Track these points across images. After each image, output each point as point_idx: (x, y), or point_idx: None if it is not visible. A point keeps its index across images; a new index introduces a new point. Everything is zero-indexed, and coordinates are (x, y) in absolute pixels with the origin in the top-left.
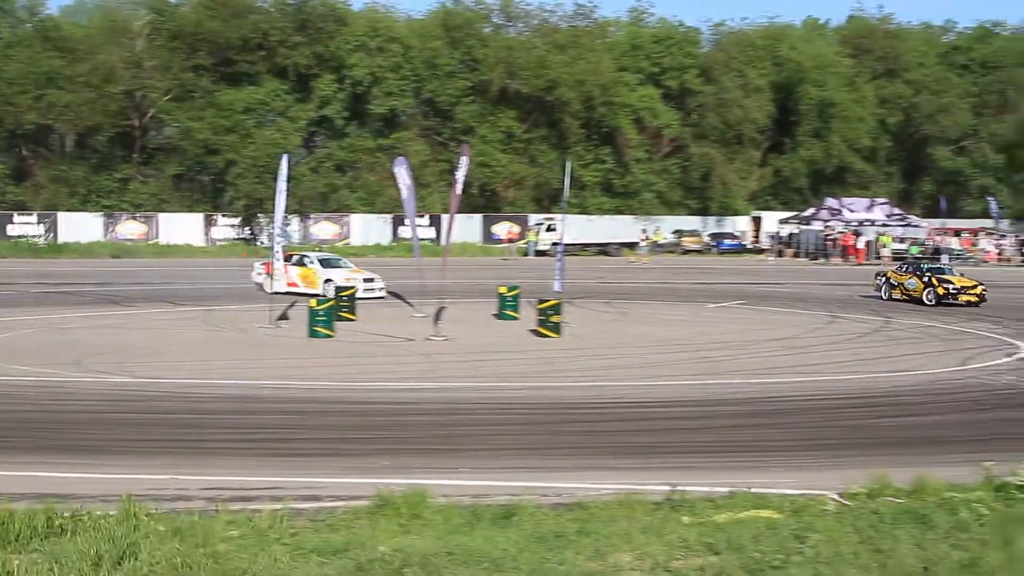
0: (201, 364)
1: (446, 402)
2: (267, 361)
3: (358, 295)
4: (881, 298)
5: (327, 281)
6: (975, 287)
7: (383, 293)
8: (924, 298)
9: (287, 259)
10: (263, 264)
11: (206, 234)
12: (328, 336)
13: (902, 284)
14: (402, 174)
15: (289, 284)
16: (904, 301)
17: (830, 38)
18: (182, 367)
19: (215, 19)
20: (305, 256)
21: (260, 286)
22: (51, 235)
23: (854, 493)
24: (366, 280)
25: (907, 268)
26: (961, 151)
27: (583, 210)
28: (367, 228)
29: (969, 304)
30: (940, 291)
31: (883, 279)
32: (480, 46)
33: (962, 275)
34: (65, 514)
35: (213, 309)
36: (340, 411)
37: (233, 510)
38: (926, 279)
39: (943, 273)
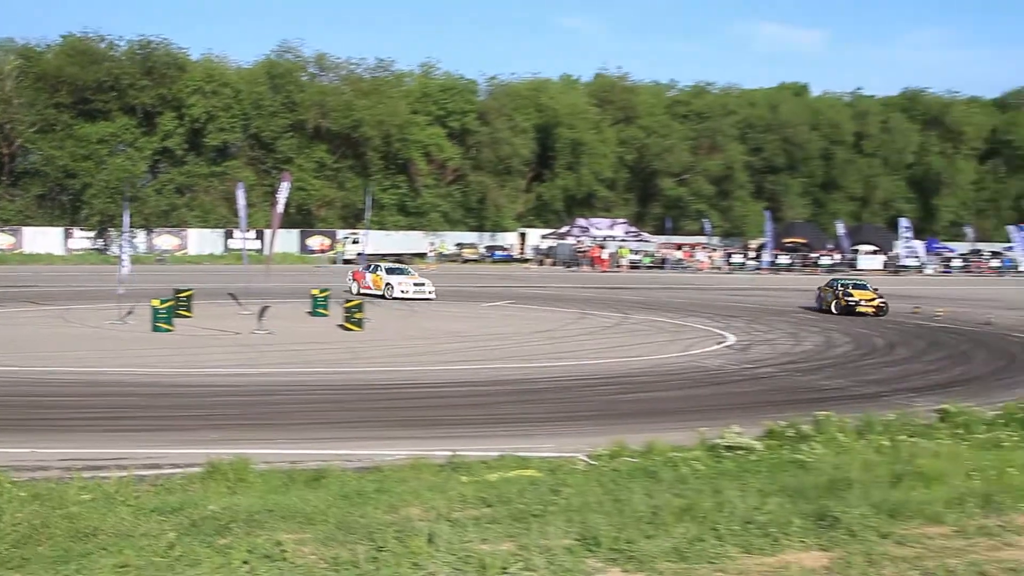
0: (56, 355)
1: (267, 385)
2: (114, 352)
3: (410, 295)
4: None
5: (387, 285)
6: (873, 299)
7: (432, 295)
8: (832, 308)
9: (367, 268)
10: (353, 273)
11: (65, 245)
12: (168, 331)
13: (823, 298)
14: (240, 196)
15: (364, 288)
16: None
17: (581, 91)
18: (39, 357)
19: (74, 64)
20: (378, 265)
21: (349, 289)
22: None
23: (598, 455)
24: (416, 284)
25: (829, 283)
26: (682, 183)
27: (382, 226)
28: (202, 240)
29: (866, 315)
30: (843, 303)
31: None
32: (298, 91)
33: (866, 288)
34: None
35: (69, 308)
36: (176, 393)
37: (85, 478)
38: (838, 292)
39: (853, 287)
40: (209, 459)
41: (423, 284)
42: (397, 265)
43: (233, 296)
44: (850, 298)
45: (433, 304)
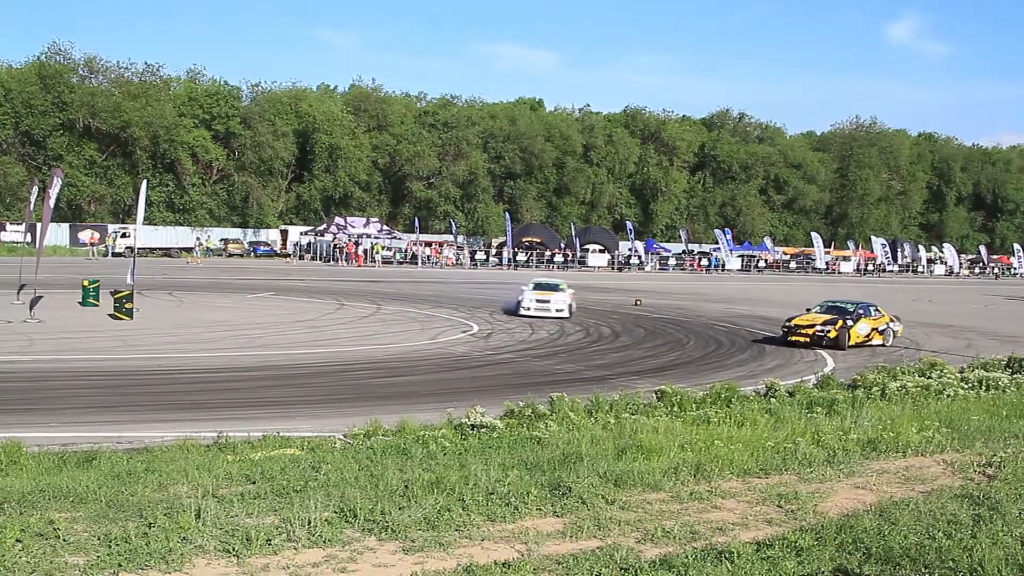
0: None
1: (37, 371)
2: None
3: (532, 312)
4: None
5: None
6: (810, 327)
7: (561, 313)
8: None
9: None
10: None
11: None
12: None
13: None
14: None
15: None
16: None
17: (337, 99)
18: None
19: None
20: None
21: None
22: None
23: (355, 434)
24: (540, 301)
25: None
26: (431, 186)
27: (150, 221)
28: None
29: (800, 344)
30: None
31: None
32: (68, 92)
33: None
34: None
35: None
36: None
37: None
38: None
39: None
40: None
41: (547, 301)
42: (547, 281)
43: (23, 287)
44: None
45: (200, 295)
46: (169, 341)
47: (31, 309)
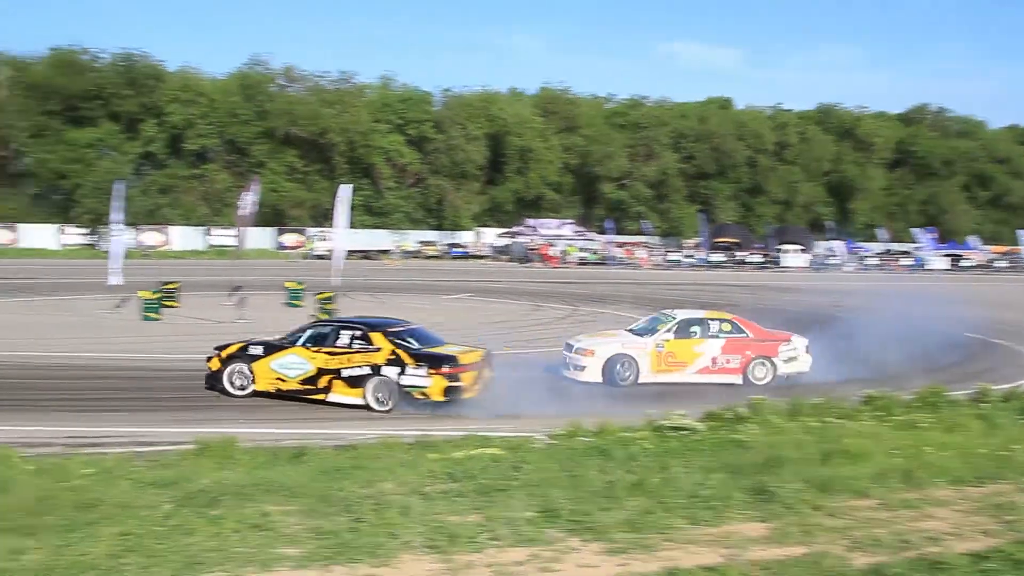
0: (54, 341)
1: None
2: (106, 338)
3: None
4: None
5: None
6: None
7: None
8: None
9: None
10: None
11: (59, 240)
12: (156, 319)
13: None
14: (247, 197)
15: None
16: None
17: (527, 102)
18: (40, 343)
19: (63, 75)
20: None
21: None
22: None
23: (556, 434)
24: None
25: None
26: (622, 187)
27: (349, 225)
28: (184, 237)
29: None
30: None
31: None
32: (268, 101)
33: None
34: None
35: (64, 298)
36: (166, 377)
37: (87, 454)
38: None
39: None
40: (198, 438)
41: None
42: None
43: (236, 289)
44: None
45: (398, 296)
46: None
47: (240, 308)
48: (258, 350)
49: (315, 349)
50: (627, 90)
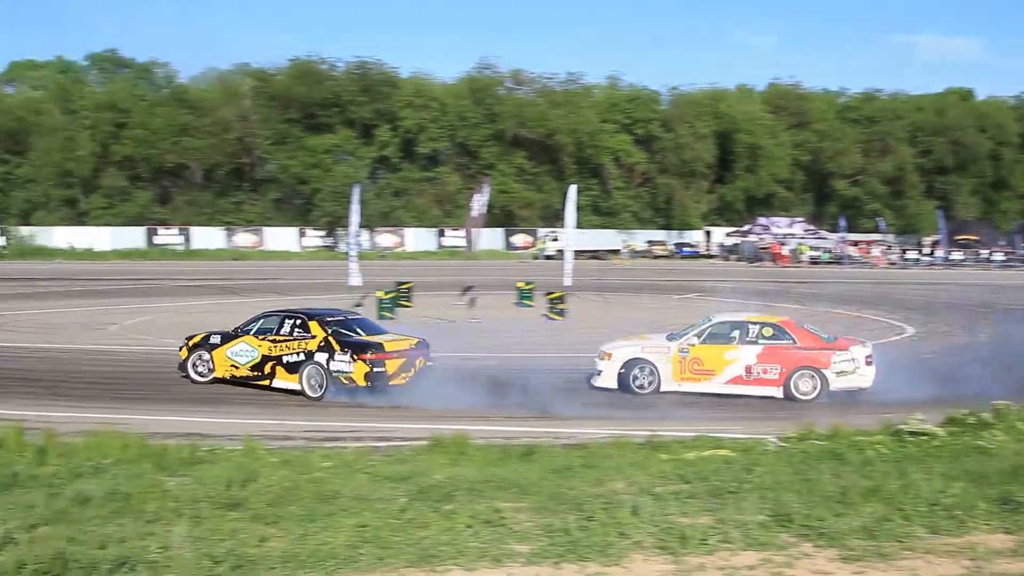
0: None
1: (484, 367)
2: None
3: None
4: None
5: None
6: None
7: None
8: None
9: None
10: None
11: (299, 242)
12: (391, 318)
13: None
14: (477, 199)
15: None
16: None
17: (756, 98)
18: None
19: (302, 85)
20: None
21: None
22: (186, 243)
23: (788, 437)
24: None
25: None
26: (855, 183)
27: (577, 225)
28: (417, 238)
29: None
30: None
31: None
32: (497, 103)
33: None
34: (204, 448)
35: (306, 298)
36: None
37: (326, 447)
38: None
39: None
40: (432, 434)
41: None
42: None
43: (467, 289)
44: None
45: (627, 296)
46: (595, 339)
47: (470, 308)
48: (216, 339)
49: (262, 337)
50: (860, 84)
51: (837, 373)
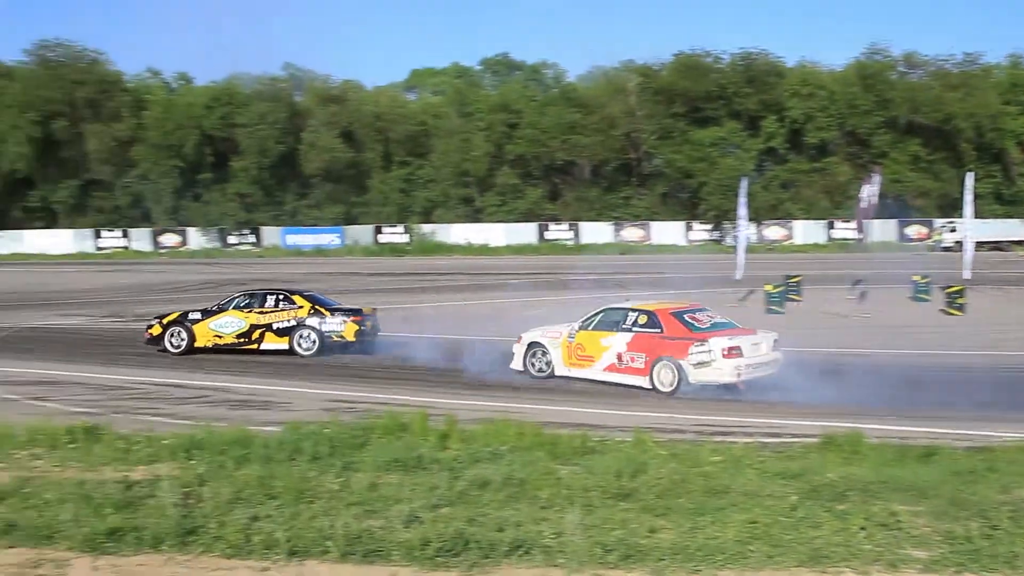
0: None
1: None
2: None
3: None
4: None
5: None
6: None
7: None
8: None
9: None
10: None
11: (686, 236)
12: (780, 312)
13: None
14: (868, 189)
15: None
16: None
17: None
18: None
19: (686, 78)
20: None
21: None
22: (576, 238)
23: None
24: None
25: None
26: None
27: (978, 215)
28: (806, 231)
29: None
30: None
31: None
32: (888, 89)
33: None
34: (595, 439)
35: (690, 292)
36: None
37: (715, 442)
38: None
39: None
40: (824, 431)
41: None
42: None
43: (857, 282)
44: None
45: None
46: (996, 337)
47: (859, 303)
48: (197, 315)
49: (248, 311)
50: None
51: (695, 364)
